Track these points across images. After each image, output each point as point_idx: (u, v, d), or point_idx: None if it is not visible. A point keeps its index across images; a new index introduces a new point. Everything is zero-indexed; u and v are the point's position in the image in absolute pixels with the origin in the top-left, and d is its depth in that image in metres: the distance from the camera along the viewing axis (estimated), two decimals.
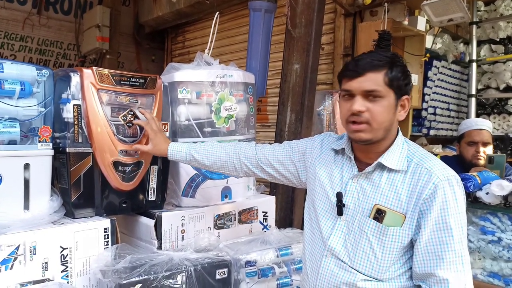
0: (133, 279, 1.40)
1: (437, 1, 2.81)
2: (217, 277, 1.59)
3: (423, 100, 3.93)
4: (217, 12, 2.09)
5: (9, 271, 1.34)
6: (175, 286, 1.47)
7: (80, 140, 1.53)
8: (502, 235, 2.07)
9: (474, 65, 4.25)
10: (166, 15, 5.33)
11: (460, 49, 4.48)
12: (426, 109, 4.03)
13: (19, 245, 1.36)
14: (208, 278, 1.56)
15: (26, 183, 1.46)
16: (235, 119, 1.93)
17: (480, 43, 4.43)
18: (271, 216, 2.10)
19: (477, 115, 4.27)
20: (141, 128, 1.65)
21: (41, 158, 1.48)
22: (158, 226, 1.70)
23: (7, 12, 5.09)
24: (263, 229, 2.05)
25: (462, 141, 2.64)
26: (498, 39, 4.38)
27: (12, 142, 1.42)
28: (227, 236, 1.90)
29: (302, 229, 1.47)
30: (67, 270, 1.47)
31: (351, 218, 1.26)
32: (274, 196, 2.20)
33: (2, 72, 1.39)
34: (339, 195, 1.27)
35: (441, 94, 4.20)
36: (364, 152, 1.29)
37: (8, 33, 5.17)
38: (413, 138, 3.91)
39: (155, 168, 1.75)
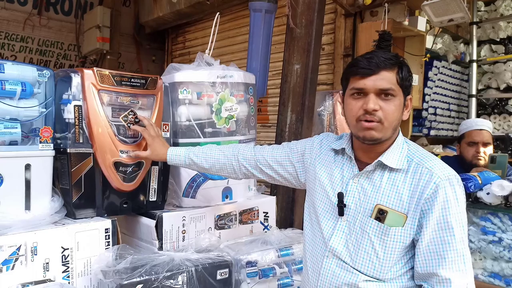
0: (134, 280, 1.40)
1: (438, 2, 2.81)
2: (218, 277, 1.59)
3: (423, 100, 3.93)
4: (218, 13, 2.09)
5: (11, 271, 1.34)
6: (176, 286, 1.47)
7: (81, 141, 1.53)
8: (503, 235, 2.07)
9: (475, 65, 4.25)
10: (167, 16, 5.33)
11: (461, 49, 4.48)
12: (426, 109, 4.02)
13: (20, 246, 1.36)
14: (209, 279, 1.56)
15: (27, 183, 1.46)
16: (235, 119, 1.93)
17: (480, 43, 4.43)
18: (272, 216, 2.10)
19: (478, 115, 4.27)
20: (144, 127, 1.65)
21: (42, 158, 1.48)
22: (159, 227, 1.70)
23: (7, 13, 5.10)
24: (263, 229, 2.05)
25: (463, 142, 2.64)
26: (498, 39, 4.37)
27: (13, 143, 1.42)
28: (228, 236, 1.90)
29: (302, 229, 1.47)
30: (68, 271, 1.48)
31: (353, 218, 1.26)
32: (275, 196, 2.21)
33: (3, 72, 1.39)
34: (340, 196, 1.27)
35: (441, 94, 4.20)
36: (365, 152, 1.29)
37: (9, 33, 5.17)
38: (414, 138, 3.91)
39: (156, 169, 1.75)
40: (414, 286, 1.22)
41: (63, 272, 1.46)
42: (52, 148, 1.51)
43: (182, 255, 1.57)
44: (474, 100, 4.21)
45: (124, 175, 1.64)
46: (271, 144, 1.66)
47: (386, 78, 1.18)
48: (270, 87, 3.34)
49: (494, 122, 4.35)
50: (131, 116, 1.63)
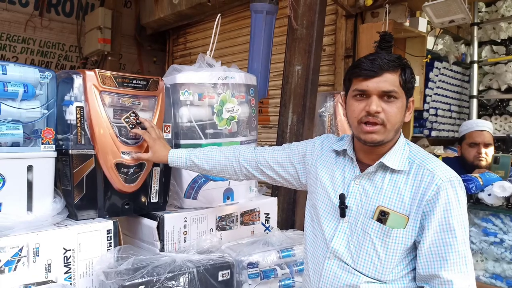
0: (136, 281, 1.40)
1: (438, 3, 2.81)
2: (220, 278, 1.59)
3: (424, 101, 3.94)
4: (219, 14, 2.09)
5: (13, 272, 1.35)
6: (177, 287, 1.47)
7: (82, 142, 1.54)
8: (505, 236, 2.07)
9: (476, 66, 4.25)
10: (168, 17, 5.34)
11: (461, 50, 4.48)
12: (427, 110, 4.03)
13: (22, 247, 1.37)
14: (211, 280, 1.56)
15: (29, 185, 1.46)
16: (237, 120, 1.93)
17: (481, 44, 4.43)
18: (273, 217, 2.10)
19: (479, 116, 4.27)
20: (144, 129, 1.66)
21: (44, 160, 1.49)
22: (160, 228, 1.70)
23: (9, 14, 5.11)
24: (265, 230, 2.05)
25: (463, 143, 2.64)
26: (499, 40, 4.38)
27: (15, 144, 1.42)
28: (229, 237, 1.90)
29: (303, 230, 1.47)
30: (70, 272, 1.48)
31: (354, 219, 1.26)
32: (276, 197, 2.21)
33: (5, 74, 1.39)
34: (341, 197, 1.27)
35: (442, 95, 4.20)
36: (367, 153, 1.29)
37: (10, 35, 5.19)
38: (415, 139, 3.91)
39: (157, 170, 1.75)
40: (416, 287, 1.22)
41: (65, 273, 1.46)
42: (54, 149, 1.51)
43: (183, 256, 1.57)
44: (475, 101, 4.21)
45: (126, 176, 1.64)
46: (272, 145, 1.66)
47: (389, 80, 1.18)
48: (271, 88, 3.34)
49: (495, 123, 4.35)
50: (132, 117, 1.64)
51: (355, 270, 1.23)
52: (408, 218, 1.18)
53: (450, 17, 2.87)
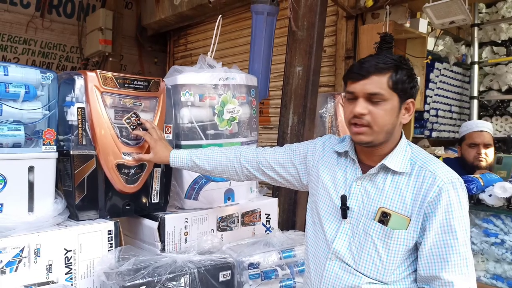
0: (137, 281, 1.40)
1: (439, 4, 2.81)
2: (221, 279, 1.59)
3: (425, 102, 3.94)
4: (220, 15, 2.09)
5: (14, 273, 1.35)
6: None
7: (84, 143, 1.54)
8: (505, 237, 2.06)
9: (476, 67, 4.25)
10: (169, 18, 5.34)
11: (462, 51, 4.48)
12: (428, 111, 4.03)
13: (23, 248, 1.37)
14: (212, 280, 1.56)
15: (31, 185, 1.46)
16: (237, 121, 1.93)
17: (481, 45, 4.43)
18: (274, 218, 2.10)
19: (479, 117, 4.27)
20: (145, 130, 1.66)
21: (45, 160, 1.49)
22: (161, 229, 1.70)
23: (10, 15, 5.13)
24: (266, 231, 2.05)
25: (463, 143, 2.64)
26: (499, 41, 4.38)
27: (16, 145, 1.43)
28: (230, 238, 1.91)
29: (304, 231, 1.47)
30: (71, 272, 1.48)
31: (356, 221, 1.26)
32: (277, 198, 2.20)
33: (7, 75, 1.40)
34: (343, 198, 1.27)
35: (443, 96, 4.20)
36: (367, 155, 1.30)
37: (12, 36, 5.20)
38: (415, 140, 3.91)
39: (158, 171, 1.76)
40: None
41: (66, 274, 1.47)
42: (55, 150, 1.51)
43: (184, 257, 1.57)
44: (475, 101, 4.21)
45: (127, 177, 1.64)
46: (273, 146, 1.66)
47: (375, 82, 1.19)
48: (272, 89, 3.35)
49: (496, 124, 4.35)
50: (134, 118, 1.64)
51: (357, 271, 1.23)
52: (410, 220, 1.18)
53: (450, 18, 2.87)
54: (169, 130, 1.78)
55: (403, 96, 1.22)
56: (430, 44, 3.81)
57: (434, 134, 4.13)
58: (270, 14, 2.39)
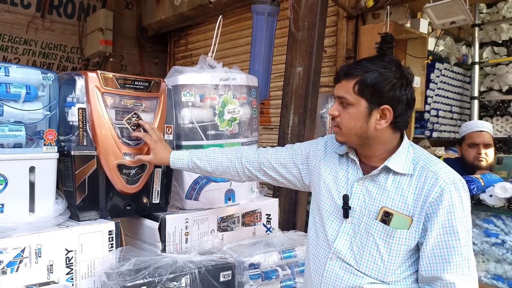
0: (138, 282, 1.40)
1: (440, 4, 2.81)
2: (221, 279, 1.59)
3: (425, 103, 3.94)
4: (220, 16, 2.09)
5: (15, 273, 1.35)
6: None
7: (84, 143, 1.54)
8: (506, 237, 2.06)
9: (477, 67, 4.25)
10: (169, 19, 5.34)
11: (463, 51, 4.48)
12: (428, 111, 4.03)
13: (24, 248, 1.37)
14: (212, 281, 1.56)
15: (32, 186, 1.47)
16: (238, 122, 1.93)
17: (482, 45, 4.43)
18: (275, 218, 2.10)
19: (480, 117, 4.27)
20: (145, 131, 1.66)
21: (46, 161, 1.49)
22: (162, 229, 1.70)
23: (11, 16, 5.13)
24: (266, 231, 2.05)
25: (463, 144, 2.64)
26: (500, 41, 4.37)
27: (17, 146, 1.43)
28: (231, 238, 1.91)
29: (305, 231, 1.47)
30: (72, 273, 1.48)
31: (357, 220, 1.26)
32: (278, 198, 2.21)
33: (8, 76, 1.40)
34: (345, 198, 1.28)
35: (443, 97, 4.20)
36: (363, 156, 1.31)
37: (12, 36, 5.20)
38: (416, 141, 3.91)
39: (159, 171, 1.76)
40: None
41: (67, 274, 1.47)
42: (56, 150, 1.51)
43: (185, 257, 1.58)
44: (476, 102, 4.21)
45: (128, 178, 1.64)
46: (273, 146, 1.66)
47: (343, 87, 1.24)
48: (272, 90, 3.35)
49: (497, 124, 4.35)
50: (134, 118, 1.64)
51: (358, 271, 1.23)
52: (412, 219, 1.18)
53: (451, 18, 2.87)
54: (170, 130, 1.78)
55: (374, 101, 1.20)
56: (431, 44, 3.81)
57: (434, 134, 4.13)
58: (270, 15, 2.39)
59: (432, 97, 4.04)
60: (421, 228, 1.18)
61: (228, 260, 1.64)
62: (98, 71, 1.56)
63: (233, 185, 1.96)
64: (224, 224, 1.91)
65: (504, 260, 2.08)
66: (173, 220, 1.73)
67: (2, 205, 1.40)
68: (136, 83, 1.64)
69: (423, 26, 3.59)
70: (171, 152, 1.63)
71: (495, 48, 4.40)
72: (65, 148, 1.55)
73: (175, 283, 1.47)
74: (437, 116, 4.13)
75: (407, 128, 1.30)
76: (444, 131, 4.27)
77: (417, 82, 3.55)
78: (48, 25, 5.41)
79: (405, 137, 1.29)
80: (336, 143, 1.42)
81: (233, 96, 1.90)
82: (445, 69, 4.16)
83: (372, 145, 1.26)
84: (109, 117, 1.57)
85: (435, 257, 1.16)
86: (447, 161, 2.77)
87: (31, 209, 1.47)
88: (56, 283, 1.43)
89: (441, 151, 4.09)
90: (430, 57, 3.61)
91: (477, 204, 2.13)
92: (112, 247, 1.58)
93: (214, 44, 2.02)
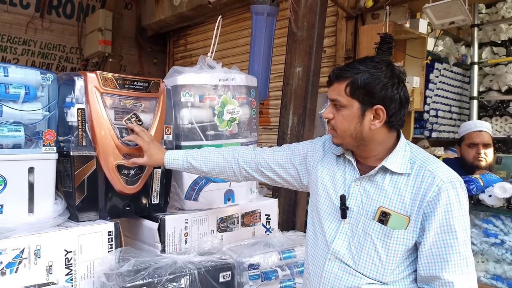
0: (137, 282, 1.40)
1: (439, 4, 2.81)
2: (221, 280, 1.59)
3: (425, 103, 3.94)
4: (220, 16, 2.09)
5: (14, 274, 1.35)
6: None
7: (84, 144, 1.54)
8: (505, 237, 2.07)
9: (476, 67, 4.25)
10: (168, 19, 5.34)
11: (462, 52, 4.49)
12: (428, 112, 4.03)
13: (23, 249, 1.37)
14: (212, 281, 1.56)
15: (31, 186, 1.46)
16: (237, 122, 1.93)
17: (481, 46, 4.44)
18: (274, 219, 2.10)
19: (479, 117, 4.28)
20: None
21: (45, 161, 1.49)
22: (161, 229, 1.70)
23: (10, 16, 5.12)
24: (266, 232, 2.05)
25: (463, 144, 2.64)
26: (499, 41, 4.38)
27: (16, 146, 1.43)
28: (230, 239, 1.91)
29: (304, 231, 1.47)
30: (71, 274, 1.48)
31: (355, 221, 1.26)
32: (277, 199, 2.20)
33: (7, 76, 1.40)
34: (342, 198, 1.28)
35: (443, 97, 4.20)
36: (360, 157, 1.31)
37: (11, 36, 5.19)
38: (415, 141, 3.91)
39: (158, 172, 1.75)
40: None
41: (66, 275, 1.47)
42: (55, 151, 1.51)
43: (184, 258, 1.57)
44: (475, 102, 4.21)
45: (127, 178, 1.64)
46: (272, 146, 1.66)
47: (335, 89, 1.25)
48: (272, 90, 3.34)
49: (496, 124, 4.36)
50: (133, 119, 1.64)
51: (356, 271, 1.23)
52: (409, 219, 1.18)
53: (450, 19, 2.87)
54: (169, 131, 1.78)
55: (366, 102, 1.20)
56: (430, 44, 3.82)
57: (434, 134, 4.13)
58: (270, 15, 2.39)
59: (431, 97, 4.05)
60: (418, 228, 1.18)
61: (228, 261, 1.64)
62: (97, 71, 1.56)
63: (233, 185, 1.96)
64: (224, 224, 1.91)
65: (503, 260, 2.08)
66: (172, 221, 1.73)
67: (1, 205, 1.40)
68: (135, 83, 1.64)
69: (422, 26, 3.60)
70: (166, 153, 1.61)
71: (494, 48, 4.41)
72: (64, 148, 1.54)
73: (174, 283, 1.47)
74: (436, 116, 4.13)
75: (403, 127, 1.30)
76: (443, 131, 4.27)
77: (416, 82, 3.55)
78: (47, 25, 5.40)
79: (402, 137, 1.29)
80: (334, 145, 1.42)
81: (232, 96, 1.90)
82: (444, 69, 4.16)
83: (368, 146, 1.26)
84: (108, 118, 1.57)
85: (433, 257, 1.16)
86: (447, 161, 2.77)
87: (30, 209, 1.47)
88: (55, 284, 1.43)
89: (440, 151, 4.09)
90: (429, 57, 3.62)
91: (477, 204, 2.13)
92: (111, 247, 1.57)
93: (214, 44, 2.02)
